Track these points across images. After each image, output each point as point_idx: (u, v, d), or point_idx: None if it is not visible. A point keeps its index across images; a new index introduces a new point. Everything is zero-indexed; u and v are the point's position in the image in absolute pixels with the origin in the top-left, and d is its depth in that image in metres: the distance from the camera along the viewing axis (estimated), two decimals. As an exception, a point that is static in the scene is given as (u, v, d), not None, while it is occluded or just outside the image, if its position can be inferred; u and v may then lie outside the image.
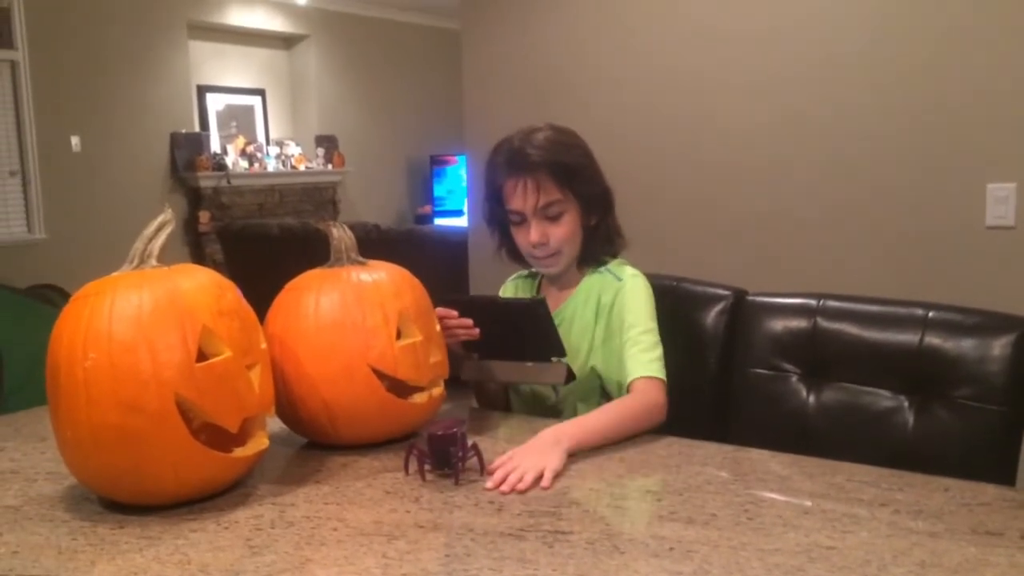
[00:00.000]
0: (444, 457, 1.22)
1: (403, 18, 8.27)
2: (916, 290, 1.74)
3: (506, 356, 1.56)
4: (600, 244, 1.64)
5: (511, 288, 1.78)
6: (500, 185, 1.58)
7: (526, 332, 1.52)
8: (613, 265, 1.64)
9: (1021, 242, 2.38)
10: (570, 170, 1.56)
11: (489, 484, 1.20)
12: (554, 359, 1.53)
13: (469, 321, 1.52)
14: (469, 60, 3.47)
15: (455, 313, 1.53)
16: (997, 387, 1.35)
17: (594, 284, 1.63)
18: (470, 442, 1.24)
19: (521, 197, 1.55)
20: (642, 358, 1.49)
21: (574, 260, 1.64)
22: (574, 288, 1.65)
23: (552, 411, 1.63)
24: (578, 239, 1.61)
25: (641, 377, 1.47)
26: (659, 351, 1.51)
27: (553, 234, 1.57)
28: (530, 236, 1.57)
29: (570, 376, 1.52)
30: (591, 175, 1.60)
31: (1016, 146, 2.37)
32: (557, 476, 1.23)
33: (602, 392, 1.60)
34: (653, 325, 1.54)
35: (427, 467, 1.23)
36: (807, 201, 2.73)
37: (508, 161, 1.56)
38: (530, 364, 1.54)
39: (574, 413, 1.60)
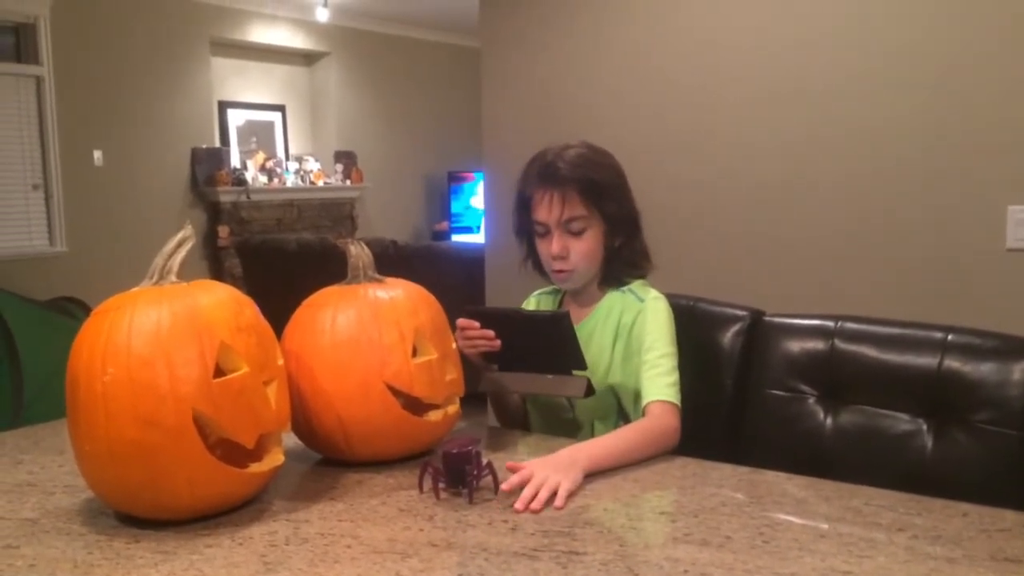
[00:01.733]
0: (458, 475, 1.21)
1: (422, 36, 8.33)
2: (935, 312, 1.73)
3: (527, 368, 1.56)
4: (623, 266, 1.65)
5: (533, 303, 1.79)
6: (529, 196, 1.61)
7: (548, 344, 1.53)
8: (636, 286, 1.65)
9: (1042, 265, 2.36)
10: (598, 188, 1.58)
11: (504, 486, 1.20)
12: (575, 372, 1.53)
13: (491, 332, 1.53)
14: (488, 78, 3.49)
15: (477, 324, 1.54)
16: (1016, 411, 1.34)
17: (615, 303, 1.64)
18: (485, 460, 1.24)
19: (547, 209, 1.58)
20: (659, 382, 1.50)
21: (592, 278, 1.66)
22: (595, 306, 1.66)
23: (570, 427, 1.64)
24: (598, 258, 1.63)
25: (656, 401, 1.48)
26: (676, 376, 1.51)
27: (574, 248, 1.59)
28: (551, 248, 1.59)
29: (590, 390, 1.52)
30: (619, 196, 1.62)
31: (1037, 168, 2.36)
32: (571, 495, 1.22)
33: (619, 411, 1.60)
34: (672, 349, 1.54)
35: (441, 485, 1.23)
36: (824, 221, 2.72)
37: (540, 173, 1.59)
38: (550, 376, 1.54)
39: (592, 430, 1.60)
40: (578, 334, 1.58)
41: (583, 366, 1.52)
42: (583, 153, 1.61)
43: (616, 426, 1.55)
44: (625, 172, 1.66)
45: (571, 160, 1.58)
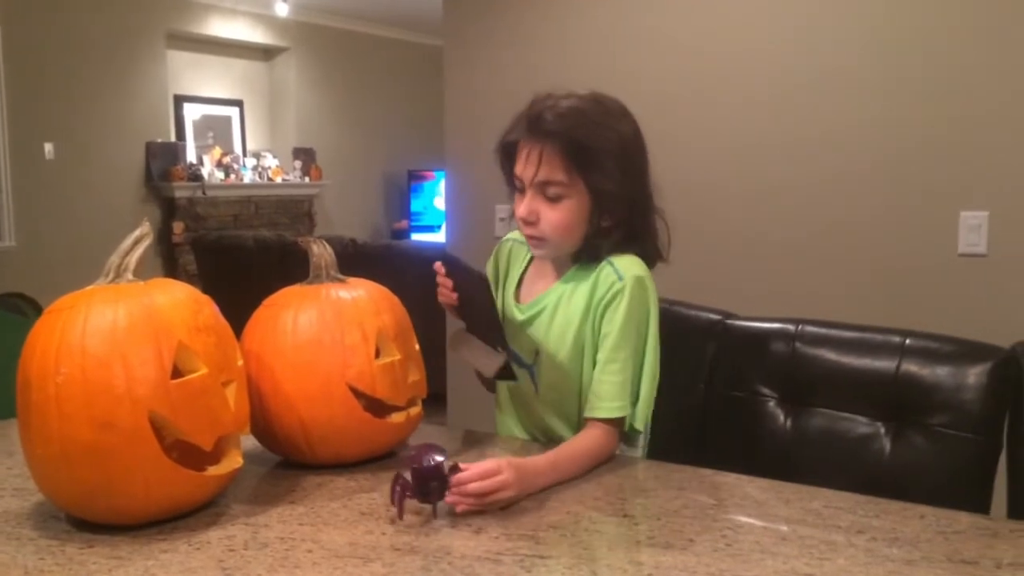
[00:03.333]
0: (427, 490, 1.17)
1: (383, 33, 8.28)
2: (888, 316, 1.76)
3: (473, 329, 1.48)
4: (611, 249, 1.42)
5: (507, 246, 1.59)
6: (515, 141, 1.41)
7: (481, 307, 1.42)
8: (618, 258, 1.41)
9: (992, 270, 2.42)
10: (586, 153, 1.34)
11: (470, 485, 1.16)
12: (499, 348, 1.42)
13: (450, 282, 1.41)
14: (451, 77, 3.47)
15: (444, 270, 1.42)
16: (973, 415, 1.36)
17: (588, 274, 1.42)
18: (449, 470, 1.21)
19: (523, 163, 1.38)
20: (610, 394, 1.37)
21: (565, 252, 1.45)
22: (563, 275, 1.47)
23: (528, 406, 1.53)
24: (576, 233, 1.40)
25: (600, 420, 1.37)
26: (631, 387, 1.38)
27: (545, 216, 1.38)
28: (519, 208, 1.40)
29: (502, 372, 1.40)
30: (613, 168, 1.36)
31: (989, 175, 2.41)
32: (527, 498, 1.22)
33: (581, 395, 1.45)
34: (634, 344, 1.38)
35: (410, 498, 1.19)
36: (782, 226, 2.75)
37: (527, 119, 1.38)
38: (477, 344, 1.44)
39: (550, 409, 1.49)
40: (540, 303, 1.47)
41: (501, 342, 1.40)
42: (580, 107, 1.37)
43: (578, 422, 1.45)
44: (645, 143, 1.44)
45: (562, 112, 1.35)
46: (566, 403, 1.48)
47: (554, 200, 1.37)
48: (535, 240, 1.42)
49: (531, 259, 1.54)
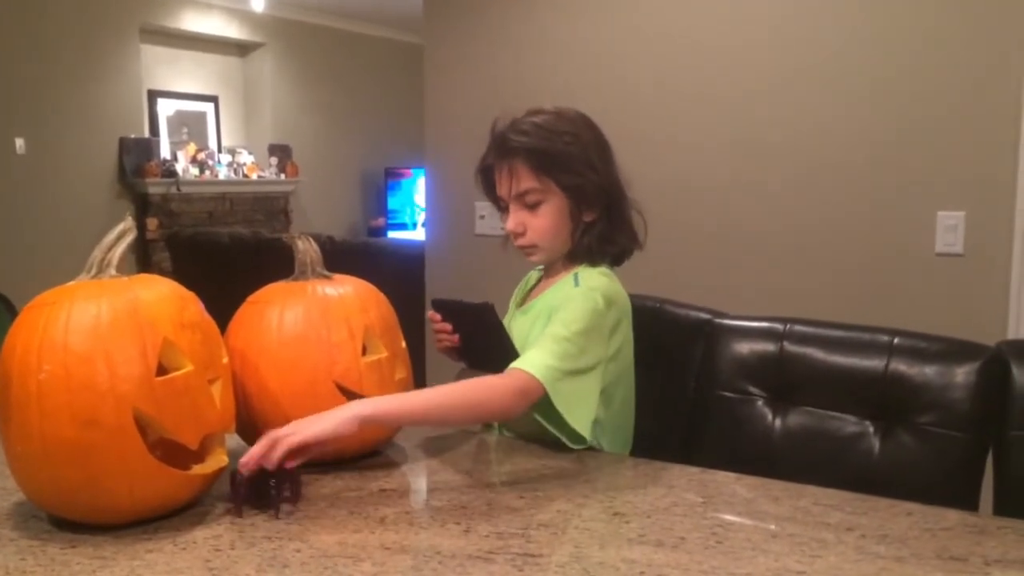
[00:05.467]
0: (262, 490, 1.16)
1: (360, 29, 8.24)
2: (867, 315, 1.77)
3: (478, 364, 1.51)
4: (596, 241, 1.50)
5: (529, 274, 1.69)
6: (490, 165, 1.51)
7: (485, 338, 1.47)
8: (583, 269, 1.50)
9: (969, 269, 2.44)
10: (549, 158, 1.44)
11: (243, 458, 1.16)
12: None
13: (448, 326, 1.49)
14: (432, 75, 3.45)
15: (439, 317, 1.50)
16: (961, 414, 1.37)
17: (563, 285, 1.50)
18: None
19: (499, 183, 1.50)
20: (543, 356, 1.34)
21: (559, 254, 1.52)
22: (553, 284, 1.54)
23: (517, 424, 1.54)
24: (563, 233, 1.49)
25: (526, 371, 1.32)
26: (568, 364, 1.34)
27: (531, 225, 1.47)
28: (507, 224, 1.50)
29: None
30: (578, 166, 1.45)
31: (965, 175, 2.44)
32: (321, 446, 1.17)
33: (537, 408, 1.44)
34: (578, 340, 1.37)
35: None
36: (761, 226, 2.76)
37: (494, 145, 1.50)
38: (486, 374, 1.46)
39: (532, 423, 1.45)
40: (531, 310, 1.54)
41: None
42: (537, 121, 1.47)
43: (540, 433, 1.43)
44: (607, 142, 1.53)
45: (522, 130, 1.46)
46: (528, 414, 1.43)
47: (534, 207, 1.47)
48: (528, 249, 1.51)
49: (539, 281, 1.63)
